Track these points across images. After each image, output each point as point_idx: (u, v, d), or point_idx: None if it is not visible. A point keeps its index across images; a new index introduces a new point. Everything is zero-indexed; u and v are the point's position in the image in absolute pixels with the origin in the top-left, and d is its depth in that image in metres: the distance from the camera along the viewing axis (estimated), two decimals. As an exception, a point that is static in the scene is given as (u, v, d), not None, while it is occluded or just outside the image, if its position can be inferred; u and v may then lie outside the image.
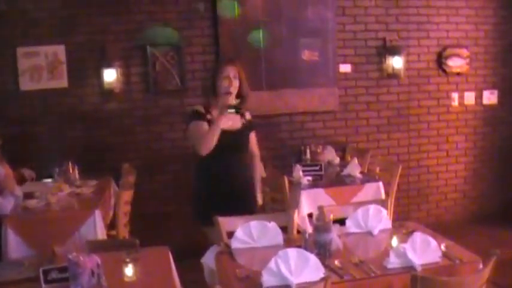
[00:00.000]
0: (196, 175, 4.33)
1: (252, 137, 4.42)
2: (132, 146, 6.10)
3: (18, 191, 4.61)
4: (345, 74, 6.60)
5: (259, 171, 4.54)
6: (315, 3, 6.36)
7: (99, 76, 5.94)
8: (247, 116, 4.36)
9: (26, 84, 5.83)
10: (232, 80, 4.12)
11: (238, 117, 4.25)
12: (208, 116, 4.11)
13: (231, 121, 4.19)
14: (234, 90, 4.16)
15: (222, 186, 4.19)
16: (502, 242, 6.06)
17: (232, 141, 4.16)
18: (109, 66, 5.90)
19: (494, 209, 7.16)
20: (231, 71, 4.14)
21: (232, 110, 4.02)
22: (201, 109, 4.15)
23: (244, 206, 4.18)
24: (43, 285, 2.68)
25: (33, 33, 5.80)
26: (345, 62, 6.57)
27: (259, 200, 4.43)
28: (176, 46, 6.09)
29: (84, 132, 6.02)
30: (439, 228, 3.97)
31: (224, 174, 4.19)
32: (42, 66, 5.85)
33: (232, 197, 4.19)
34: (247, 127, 4.31)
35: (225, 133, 4.13)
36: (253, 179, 4.38)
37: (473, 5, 6.88)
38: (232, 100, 4.14)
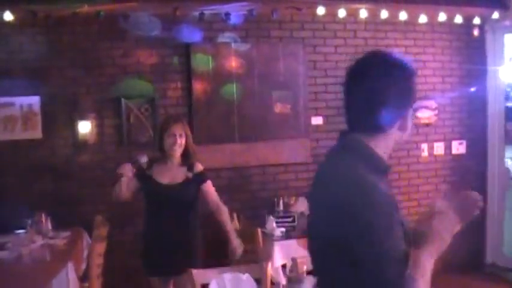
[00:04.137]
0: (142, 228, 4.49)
1: (207, 188, 4.43)
2: (104, 198, 6.05)
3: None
4: (317, 126, 6.69)
5: (227, 219, 4.48)
6: (287, 58, 6.48)
7: (74, 128, 5.95)
8: (198, 168, 4.39)
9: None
10: (177, 138, 4.26)
11: (181, 170, 4.33)
12: (148, 172, 4.34)
13: (171, 173, 4.29)
14: (180, 147, 4.30)
15: (158, 243, 4.29)
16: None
17: (171, 196, 4.24)
18: (83, 118, 5.92)
19: (464, 259, 7.19)
20: (177, 130, 4.28)
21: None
22: (144, 165, 4.36)
23: (181, 264, 4.08)
24: None
25: (7, 84, 5.79)
26: (316, 115, 6.66)
27: (239, 249, 4.40)
28: (150, 98, 6.15)
29: (55, 184, 5.96)
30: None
31: (159, 231, 4.29)
32: (16, 117, 5.83)
33: (168, 254, 4.24)
34: (194, 180, 4.34)
35: (162, 187, 4.23)
36: (195, 236, 4.38)
37: (440, 59, 7.09)
38: (178, 156, 4.34)
